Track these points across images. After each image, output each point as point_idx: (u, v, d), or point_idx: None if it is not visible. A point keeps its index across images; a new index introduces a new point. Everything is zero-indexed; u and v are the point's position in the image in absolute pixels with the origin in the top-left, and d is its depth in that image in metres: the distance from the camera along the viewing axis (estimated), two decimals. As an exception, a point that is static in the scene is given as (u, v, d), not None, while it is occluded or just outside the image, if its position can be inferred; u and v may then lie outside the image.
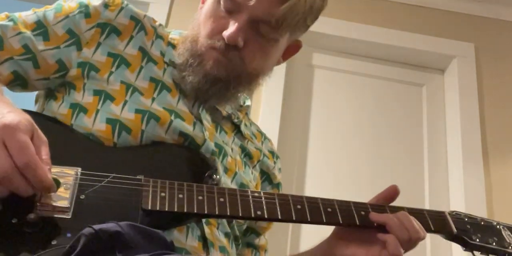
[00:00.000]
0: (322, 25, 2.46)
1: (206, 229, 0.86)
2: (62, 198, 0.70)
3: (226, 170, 0.94)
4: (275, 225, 1.11)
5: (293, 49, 1.04)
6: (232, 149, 1.00)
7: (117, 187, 0.77)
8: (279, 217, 0.83)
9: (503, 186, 2.23)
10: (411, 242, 0.86)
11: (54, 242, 0.68)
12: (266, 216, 0.82)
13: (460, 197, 2.19)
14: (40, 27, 0.92)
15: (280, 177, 1.11)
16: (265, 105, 2.22)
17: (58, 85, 0.93)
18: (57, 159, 0.73)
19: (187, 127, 0.90)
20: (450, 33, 2.56)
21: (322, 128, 2.37)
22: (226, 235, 0.93)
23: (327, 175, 2.26)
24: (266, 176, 1.07)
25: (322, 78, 2.48)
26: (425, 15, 2.60)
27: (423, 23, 2.56)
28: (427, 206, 2.24)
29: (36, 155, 0.68)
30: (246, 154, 1.04)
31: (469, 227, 0.98)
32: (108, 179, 0.77)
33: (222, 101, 0.98)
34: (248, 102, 1.12)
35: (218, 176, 0.87)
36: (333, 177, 2.25)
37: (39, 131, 0.72)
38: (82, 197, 0.73)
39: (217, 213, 0.79)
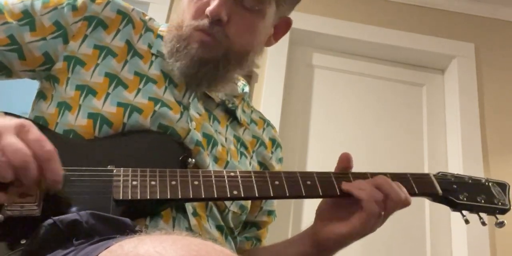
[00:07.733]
0: (322, 25, 2.50)
1: (193, 221, 0.84)
2: (30, 196, 0.68)
3: (216, 159, 0.92)
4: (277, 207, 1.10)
5: (283, 27, 1.02)
6: (226, 139, 0.98)
7: (88, 180, 0.75)
8: (256, 194, 0.81)
9: (503, 186, 2.23)
10: (388, 202, 0.85)
11: (23, 241, 0.66)
12: (243, 195, 0.80)
13: (460, 197, 2.19)
14: (27, 17, 0.90)
15: (279, 167, 1.09)
16: (265, 105, 2.21)
17: (44, 79, 0.92)
18: None
19: (171, 117, 0.88)
20: (450, 33, 2.56)
21: (322, 128, 2.37)
22: (218, 228, 0.91)
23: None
24: (264, 167, 1.05)
25: (322, 78, 2.48)
26: (425, 15, 2.60)
27: (423, 23, 2.56)
28: (427, 207, 2.25)
29: None
30: (241, 143, 1.02)
31: (455, 186, 0.95)
32: (79, 172, 0.75)
33: (213, 83, 0.95)
34: (246, 89, 1.10)
35: (193, 160, 0.85)
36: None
37: None
38: (52, 193, 0.71)
39: (191, 196, 0.77)
